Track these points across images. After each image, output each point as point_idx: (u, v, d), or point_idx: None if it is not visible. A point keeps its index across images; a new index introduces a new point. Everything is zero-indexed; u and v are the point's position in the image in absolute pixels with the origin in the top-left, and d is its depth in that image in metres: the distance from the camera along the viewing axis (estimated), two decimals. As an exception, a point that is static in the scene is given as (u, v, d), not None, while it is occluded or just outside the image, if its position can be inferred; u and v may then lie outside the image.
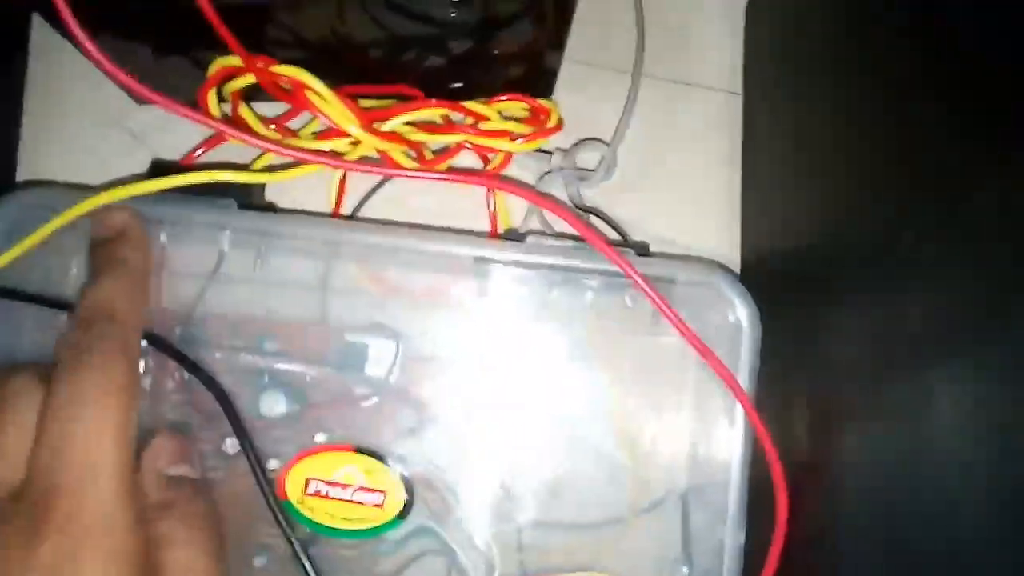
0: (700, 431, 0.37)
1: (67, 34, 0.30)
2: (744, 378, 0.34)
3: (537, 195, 0.37)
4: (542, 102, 0.40)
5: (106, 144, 0.40)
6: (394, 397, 0.37)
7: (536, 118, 0.40)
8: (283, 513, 0.32)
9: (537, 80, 0.40)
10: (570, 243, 0.35)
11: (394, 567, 0.35)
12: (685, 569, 0.36)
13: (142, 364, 0.36)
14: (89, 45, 0.30)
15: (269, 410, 0.36)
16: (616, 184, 0.41)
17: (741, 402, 0.34)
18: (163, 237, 0.36)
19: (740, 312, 0.34)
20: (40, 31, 0.41)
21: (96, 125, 0.41)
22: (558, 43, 0.36)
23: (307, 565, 0.32)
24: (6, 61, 0.41)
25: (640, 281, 0.33)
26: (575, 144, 0.40)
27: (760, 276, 0.39)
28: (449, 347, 0.38)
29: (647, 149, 0.42)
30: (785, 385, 0.35)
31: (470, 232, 0.40)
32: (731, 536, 0.34)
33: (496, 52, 0.37)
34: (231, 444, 0.36)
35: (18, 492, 0.28)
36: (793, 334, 0.34)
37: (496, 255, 0.35)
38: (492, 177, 0.38)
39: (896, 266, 0.27)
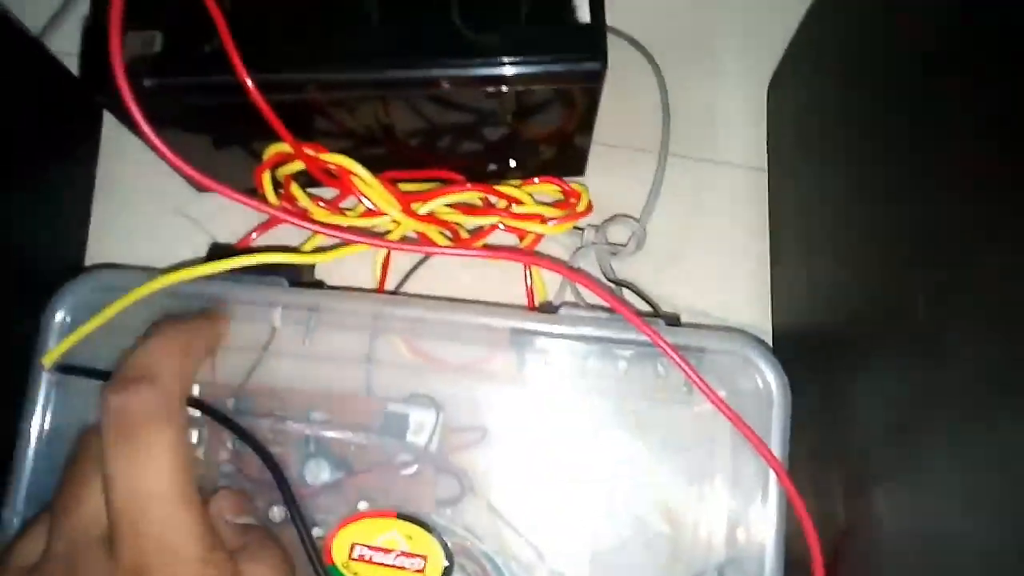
0: (736, 500, 0.37)
1: (135, 129, 0.33)
2: (776, 445, 0.35)
3: (570, 270, 0.39)
4: (573, 186, 0.42)
5: (168, 230, 0.43)
6: (434, 465, 0.38)
7: (567, 201, 0.42)
8: (328, 578, 0.33)
9: (569, 162, 0.42)
10: (603, 315, 0.37)
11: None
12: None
13: (195, 434, 0.38)
14: (155, 139, 0.33)
15: (314, 478, 0.38)
16: (647, 258, 0.43)
17: (774, 469, 0.35)
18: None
19: (770, 380, 0.35)
20: (109, 126, 0.45)
21: (159, 213, 0.44)
22: (587, 127, 0.38)
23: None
24: (79, 154, 0.44)
25: (669, 350, 0.34)
26: (606, 220, 0.42)
27: (792, 345, 0.40)
28: (488, 417, 0.39)
29: (676, 224, 0.44)
30: (818, 452, 0.35)
31: (507, 306, 0.41)
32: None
33: (529, 138, 0.39)
34: (277, 512, 0.38)
35: (107, 537, 0.30)
36: (824, 401, 0.35)
37: (532, 327, 0.37)
38: (527, 254, 0.39)
39: (919, 334, 0.27)
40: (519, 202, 0.40)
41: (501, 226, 0.41)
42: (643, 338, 0.35)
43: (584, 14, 0.33)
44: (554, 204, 0.41)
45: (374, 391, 0.40)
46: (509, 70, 0.33)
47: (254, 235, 0.41)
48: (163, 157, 0.34)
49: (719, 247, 0.44)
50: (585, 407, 0.39)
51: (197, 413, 0.37)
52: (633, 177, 0.44)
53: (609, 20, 0.34)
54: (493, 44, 0.33)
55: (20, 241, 0.39)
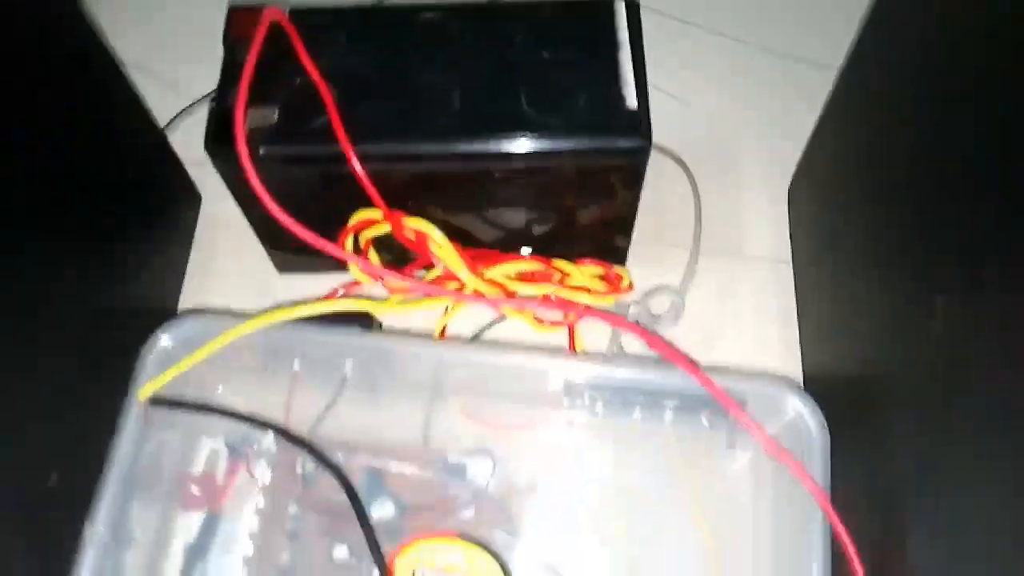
0: (782, 545, 0.39)
1: (241, 194, 0.39)
2: (819, 478, 0.37)
3: (624, 321, 0.43)
4: (617, 269, 0.47)
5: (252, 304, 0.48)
6: (490, 508, 0.40)
7: (611, 280, 0.47)
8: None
9: (613, 249, 0.47)
10: (651, 361, 0.40)
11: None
12: None
13: (268, 472, 0.41)
14: (264, 194, 0.38)
15: (379, 515, 0.39)
16: (683, 332, 0.47)
17: (821, 502, 0.36)
18: (296, 365, 0.42)
19: (808, 420, 0.38)
20: (205, 215, 0.51)
21: (244, 289, 0.49)
22: (632, 207, 0.44)
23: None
24: (182, 224, 0.50)
25: (716, 391, 0.38)
26: (648, 292, 0.47)
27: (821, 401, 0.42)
28: (539, 470, 0.42)
29: (710, 309, 0.48)
30: (854, 492, 0.37)
31: (559, 350, 0.45)
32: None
33: (582, 219, 0.44)
34: (339, 551, 0.40)
35: None
36: (859, 445, 0.37)
37: (583, 372, 0.40)
38: (585, 308, 0.43)
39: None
40: (569, 276, 0.45)
41: (552, 297, 0.45)
42: (690, 386, 0.38)
43: (632, 103, 0.40)
44: (600, 278, 0.46)
45: (432, 443, 0.42)
46: (567, 144, 0.39)
47: (340, 290, 0.46)
48: (269, 211, 0.39)
49: (749, 336, 0.48)
50: (633, 459, 0.42)
51: (272, 448, 0.40)
52: (668, 268, 0.49)
53: None
54: (554, 124, 0.39)
55: (125, 291, 0.44)
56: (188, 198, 0.51)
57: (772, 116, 0.54)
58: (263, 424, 0.40)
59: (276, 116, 0.40)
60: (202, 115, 0.53)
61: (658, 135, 0.39)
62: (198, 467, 0.43)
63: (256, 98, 0.39)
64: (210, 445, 0.43)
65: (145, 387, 0.39)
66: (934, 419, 0.31)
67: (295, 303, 0.42)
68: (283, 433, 0.39)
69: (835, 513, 0.36)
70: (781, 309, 0.48)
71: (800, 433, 0.38)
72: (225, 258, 0.50)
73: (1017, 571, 0.25)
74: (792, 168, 0.50)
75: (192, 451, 0.43)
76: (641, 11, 0.42)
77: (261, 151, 0.40)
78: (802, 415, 0.38)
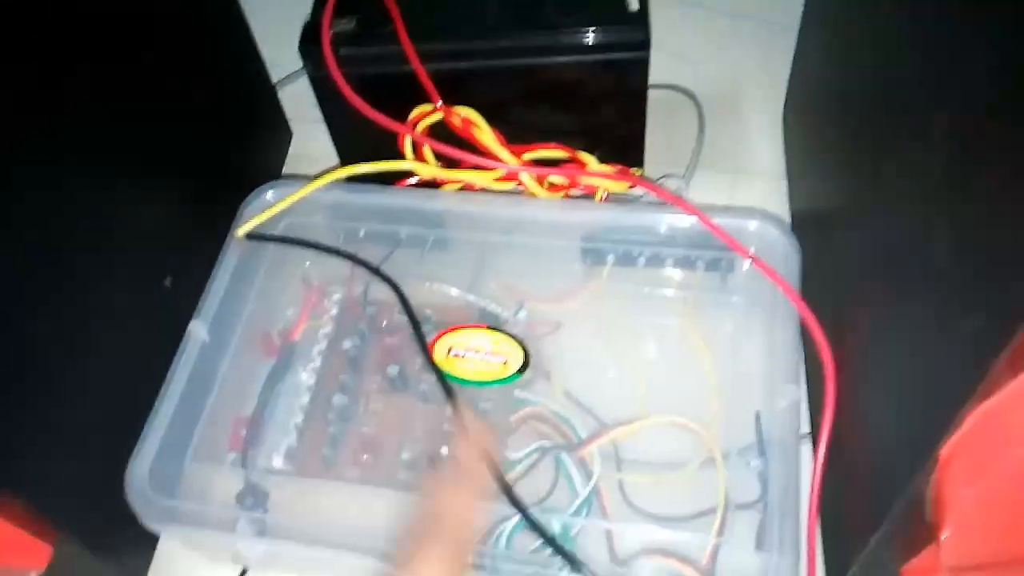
0: (770, 345, 0.44)
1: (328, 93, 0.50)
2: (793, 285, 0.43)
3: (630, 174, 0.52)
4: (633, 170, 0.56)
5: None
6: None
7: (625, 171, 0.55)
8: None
9: (629, 151, 0.56)
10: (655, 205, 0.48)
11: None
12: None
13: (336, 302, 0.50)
14: (346, 87, 0.49)
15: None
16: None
17: (794, 301, 0.43)
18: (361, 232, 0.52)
19: (783, 240, 0.45)
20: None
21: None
22: (639, 126, 0.53)
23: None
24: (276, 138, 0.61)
25: (705, 220, 0.45)
26: (655, 179, 0.55)
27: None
28: (563, 314, 0.49)
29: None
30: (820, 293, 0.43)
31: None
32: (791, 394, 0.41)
33: (599, 117, 0.54)
34: (392, 369, 0.47)
35: None
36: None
37: (598, 217, 0.48)
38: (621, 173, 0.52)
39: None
40: (586, 164, 0.54)
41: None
42: (687, 228, 0.46)
43: (635, 5, 0.50)
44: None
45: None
46: (582, 36, 0.49)
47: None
48: (348, 98, 0.49)
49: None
50: (640, 303, 0.49)
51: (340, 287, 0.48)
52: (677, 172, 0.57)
53: (663, 78, 0.51)
54: (572, 22, 0.50)
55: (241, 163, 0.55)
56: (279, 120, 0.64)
57: (762, 66, 0.64)
58: (336, 251, 0.49)
59: (354, 25, 0.51)
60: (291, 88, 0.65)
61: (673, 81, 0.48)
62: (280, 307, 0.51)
63: (339, 13, 0.51)
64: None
65: (244, 226, 0.49)
66: (862, 243, 0.39)
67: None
68: (351, 257, 0.47)
69: (806, 307, 0.42)
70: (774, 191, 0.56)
71: (775, 251, 0.45)
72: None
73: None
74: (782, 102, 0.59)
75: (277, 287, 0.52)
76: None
77: (342, 51, 0.51)
78: (778, 238, 0.45)
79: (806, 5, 0.54)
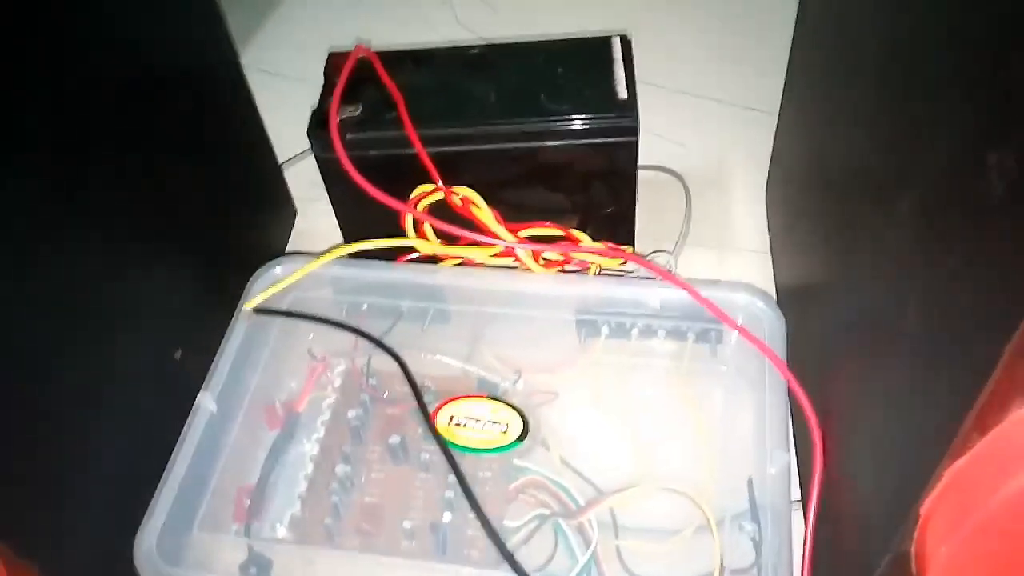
0: (757, 414, 0.46)
1: (334, 178, 0.53)
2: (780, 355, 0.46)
3: (623, 251, 0.54)
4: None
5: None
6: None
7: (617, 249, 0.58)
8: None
9: (620, 231, 0.59)
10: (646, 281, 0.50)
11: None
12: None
13: (339, 374, 0.51)
14: (352, 170, 0.52)
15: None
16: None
17: (780, 370, 0.45)
18: (364, 305, 0.54)
19: (769, 313, 0.47)
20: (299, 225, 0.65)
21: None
22: (631, 183, 0.56)
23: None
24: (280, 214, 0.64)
25: (695, 295, 0.47)
26: (645, 255, 0.58)
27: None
28: (559, 383, 0.51)
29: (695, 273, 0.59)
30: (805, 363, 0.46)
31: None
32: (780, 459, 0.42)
33: (591, 198, 0.57)
34: (393, 439, 0.48)
35: None
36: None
37: (593, 291, 0.50)
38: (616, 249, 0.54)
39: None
40: (579, 241, 0.56)
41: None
42: (679, 303, 0.49)
43: (624, 95, 0.53)
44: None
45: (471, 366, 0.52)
46: (575, 122, 0.52)
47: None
48: (353, 178, 0.52)
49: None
50: (634, 373, 0.51)
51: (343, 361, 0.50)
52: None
53: (651, 159, 0.55)
54: (565, 109, 0.53)
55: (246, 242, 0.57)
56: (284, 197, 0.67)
57: (745, 148, 0.67)
58: (340, 324, 0.50)
59: (360, 112, 0.55)
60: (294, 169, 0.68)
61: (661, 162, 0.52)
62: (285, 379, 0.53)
63: (346, 101, 0.54)
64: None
65: (252, 300, 0.51)
66: (841, 313, 0.41)
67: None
68: (355, 331, 0.49)
69: (792, 375, 0.44)
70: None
71: (762, 322, 0.47)
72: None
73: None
74: (764, 180, 0.63)
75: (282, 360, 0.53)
76: (645, 86, 0.55)
77: (348, 136, 0.54)
78: (764, 310, 0.48)
79: (784, 92, 0.57)
